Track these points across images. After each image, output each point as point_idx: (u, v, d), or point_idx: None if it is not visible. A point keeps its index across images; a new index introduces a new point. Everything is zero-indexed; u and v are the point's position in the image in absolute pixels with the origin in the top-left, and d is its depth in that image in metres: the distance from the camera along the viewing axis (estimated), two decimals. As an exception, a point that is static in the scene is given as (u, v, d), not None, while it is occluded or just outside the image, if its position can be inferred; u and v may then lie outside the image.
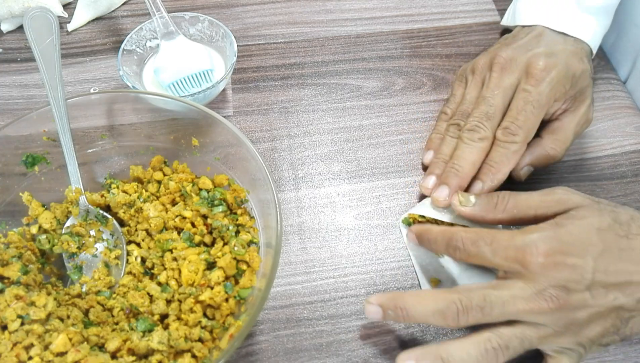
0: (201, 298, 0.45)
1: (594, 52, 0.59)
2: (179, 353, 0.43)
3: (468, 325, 0.42)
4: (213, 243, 0.50)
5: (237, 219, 0.50)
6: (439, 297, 0.43)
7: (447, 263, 0.55)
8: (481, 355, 0.41)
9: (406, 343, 0.50)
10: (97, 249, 0.51)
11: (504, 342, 0.41)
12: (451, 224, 0.55)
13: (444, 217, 0.54)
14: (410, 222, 0.56)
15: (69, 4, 0.74)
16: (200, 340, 0.44)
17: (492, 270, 0.54)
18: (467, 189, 0.53)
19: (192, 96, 0.58)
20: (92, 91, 0.66)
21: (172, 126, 0.52)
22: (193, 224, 0.51)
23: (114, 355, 0.44)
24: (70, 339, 0.43)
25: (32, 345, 0.43)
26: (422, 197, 0.58)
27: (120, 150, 0.54)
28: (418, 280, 0.54)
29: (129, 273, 0.49)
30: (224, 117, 0.55)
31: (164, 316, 0.46)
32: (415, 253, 0.55)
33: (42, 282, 0.48)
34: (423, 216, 0.55)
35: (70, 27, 0.71)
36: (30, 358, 0.42)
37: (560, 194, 0.45)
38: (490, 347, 0.41)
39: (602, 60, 0.69)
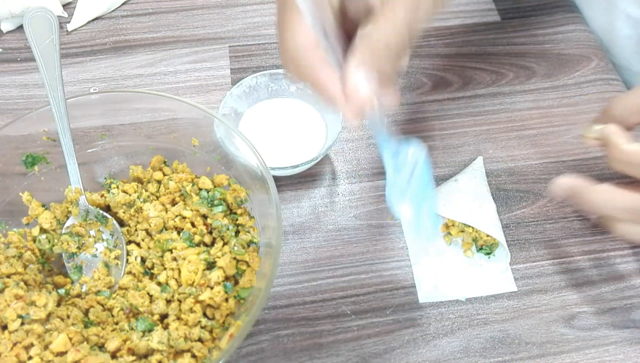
0: (201, 298, 0.45)
1: None
2: (179, 353, 0.43)
3: None
4: (213, 243, 0.50)
5: (237, 219, 0.50)
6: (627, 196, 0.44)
7: (446, 260, 0.55)
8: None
9: (406, 343, 0.50)
10: (97, 249, 0.51)
11: None
12: (465, 225, 0.55)
13: (445, 213, 0.54)
14: None
15: (69, 4, 0.74)
16: (200, 340, 0.44)
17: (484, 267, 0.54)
18: None
19: (294, 169, 0.55)
20: (92, 91, 0.66)
21: (172, 126, 0.52)
22: (193, 224, 0.51)
23: (114, 355, 0.44)
24: (70, 339, 0.43)
25: (32, 344, 0.43)
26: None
27: (120, 150, 0.54)
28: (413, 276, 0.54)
29: (129, 273, 0.49)
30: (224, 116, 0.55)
31: (163, 316, 0.46)
32: (413, 251, 0.55)
33: (42, 282, 0.48)
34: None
35: (70, 27, 0.71)
36: (30, 358, 0.42)
37: None
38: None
39: (602, 60, 0.70)
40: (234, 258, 0.47)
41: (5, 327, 0.44)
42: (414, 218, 0.44)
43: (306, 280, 0.54)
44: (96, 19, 0.72)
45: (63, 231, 0.51)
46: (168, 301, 0.46)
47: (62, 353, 0.42)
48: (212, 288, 0.46)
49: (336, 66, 0.37)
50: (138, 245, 0.51)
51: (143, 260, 0.50)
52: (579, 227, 0.57)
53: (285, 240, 0.56)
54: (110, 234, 0.52)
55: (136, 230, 0.51)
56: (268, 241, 0.46)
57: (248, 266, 0.47)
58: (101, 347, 0.44)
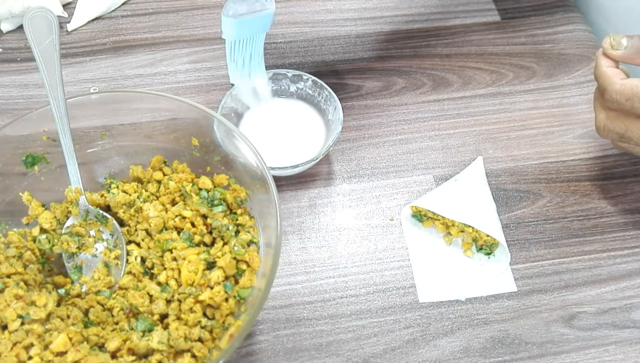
0: (201, 298, 0.45)
1: None
2: (179, 353, 0.43)
3: None
4: (213, 243, 0.50)
5: (237, 219, 0.50)
6: None
7: (446, 260, 0.55)
8: None
9: (406, 343, 0.50)
10: (97, 249, 0.51)
11: None
12: (465, 225, 0.55)
13: (445, 213, 0.54)
14: (417, 214, 0.56)
15: (69, 4, 0.74)
16: (200, 340, 0.44)
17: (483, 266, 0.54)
18: None
19: (294, 169, 0.55)
20: (92, 91, 0.66)
21: (172, 126, 0.52)
22: (193, 224, 0.51)
23: (114, 355, 0.44)
24: (70, 339, 0.43)
25: (32, 344, 0.43)
26: (425, 192, 0.58)
27: (120, 150, 0.54)
28: (413, 276, 0.54)
29: (129, 273, 0.49)
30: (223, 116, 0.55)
31: (163, 316, 0.46)
32: (413, 251, 0.55)
33: (42, 282, 0.48)
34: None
35: (70, 27, 0.71)
36: (30, 358, 0.42)
37: None
38: None
39: (602, 60, 0.69)
40: (234, 258, 0.47)
41: (5, 327, 0.43)
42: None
43: (306, 280, 0.54)
44: (96, 19, 0.72)
45: (63, 231, 0.51)
46: (168, 301, 0.46)
47: (62, 353, 0.42)
48: (212, 288, 0.46)
49: None
50: (138, 245, 0.51)
51: (143, 260, 0.50)
52: (579, 227, 0.57)
53: (285, 240, 0.56)
54: (110, 234, 0.52)
55: (136, 230, 0.51)
56: (268, 241, 0.46)
57: (248, 266, 0.47)
58: (101, 347, 0.44)
